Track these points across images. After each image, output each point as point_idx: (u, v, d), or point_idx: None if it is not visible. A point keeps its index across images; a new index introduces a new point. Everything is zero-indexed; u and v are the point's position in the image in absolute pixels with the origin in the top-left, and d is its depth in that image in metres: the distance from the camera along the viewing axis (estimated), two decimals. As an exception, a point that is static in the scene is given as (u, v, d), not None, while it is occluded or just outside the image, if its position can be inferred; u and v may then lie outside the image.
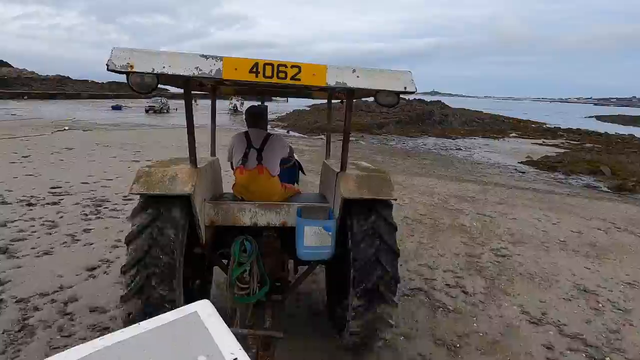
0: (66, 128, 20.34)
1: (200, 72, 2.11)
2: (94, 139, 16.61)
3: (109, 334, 1.04)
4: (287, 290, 3.32)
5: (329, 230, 2.78)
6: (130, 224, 2.58)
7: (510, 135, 30.01)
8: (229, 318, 2.91)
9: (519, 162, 16.65)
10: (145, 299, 2.47)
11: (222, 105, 54.03)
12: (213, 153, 3.96)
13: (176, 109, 50.12)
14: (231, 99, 47.98)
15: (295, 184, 4.23)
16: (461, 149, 20.69)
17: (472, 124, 34.71)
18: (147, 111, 40.35)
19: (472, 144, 23.77)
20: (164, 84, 2.65)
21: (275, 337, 2.67)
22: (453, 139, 25.61)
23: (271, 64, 2.14)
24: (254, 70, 2.15)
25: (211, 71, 2.13)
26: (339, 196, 2.79)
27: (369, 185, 2.77)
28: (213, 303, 1.20)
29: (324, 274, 4.02)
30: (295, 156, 4.27)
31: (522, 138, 28.41)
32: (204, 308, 1.18)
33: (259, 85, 2.77)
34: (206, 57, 2.12)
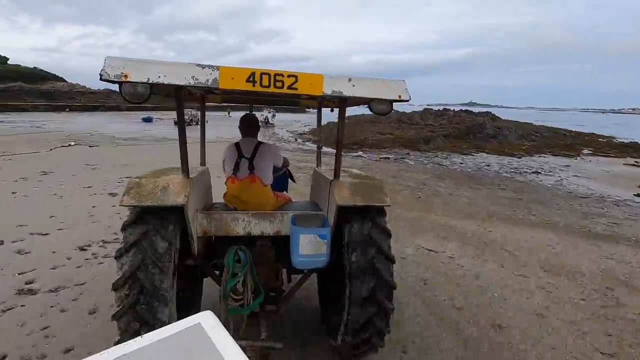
0: (72, 143, 18.54)
1: (196, 82, 2.11)
2: (92, 157, 14.45)
3: (112, 347, 1.05)
4: (281, 300, 3.29)
5: (324, 238, 2.80)
6: (122, 237, 2.50)
7: (584, 152, 24.79)
8: None
9: (635, 195, 12.01)
10: (138, 315, 2.41)
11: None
12: (203, 162, 4.02)
13: (207, 121, 48.12)
14: (262, 109, 43.88)
15: (285, 191, 4.29)
16: (540, 172, 16.49)
17: (530, 138, 29.59)
18: (175, 123, 38.75)
19: (547, 164, 19.36)
20: (154, 94, 2.52)
21: (274, 348, 2.64)
22: (518, 158, 21.20)
23: (268, 74, 2.17)
24: (251, 79, 2.17)
25: (207, 80, 2.13)
26: (334, 204, 2.82)
27: (363, 192, 2.82)
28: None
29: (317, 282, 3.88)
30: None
31: (601, 156, 23.49)
32: (207, 319, 1.20)
33: (250, 94, 2.87)
34: (202, 66, 2.13)
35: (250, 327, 2.95)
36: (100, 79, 2.03)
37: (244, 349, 2.27)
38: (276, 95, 2.42)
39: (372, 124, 36.85)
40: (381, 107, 2.42)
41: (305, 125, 50.59)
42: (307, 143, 26.57)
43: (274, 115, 48.98)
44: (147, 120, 43.33)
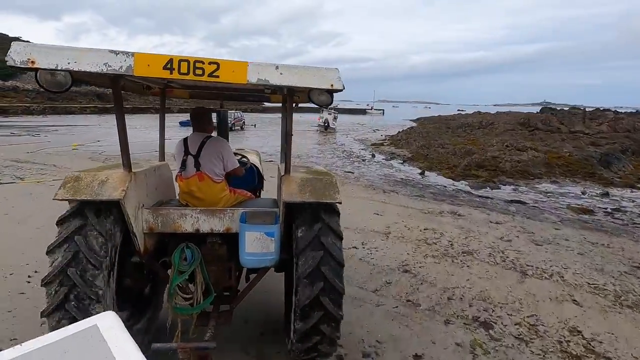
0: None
1: (109, 69, 2.01)
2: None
3: None
4: (235, 300, 3.16)
5: (271, 236, 2.70)
6: (57, 231, 2.42)
7: None
8: (169, 331, 2.88)
9: None
10: (67, 313, 2.32)
11: (310, 119, 46.10)
12: (162, 158, 3.84)
13: (254, 125, 39.62)
14: (321, 111, 36.85)
15: (260, 190, 4.45)
16: None
17: None
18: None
19: None
20: (87, 84, 2.66)
21: (207, 348, 2.44)
22: None
23: (187, 60, 2.07)
24: (169, 66, 2.06)
25: (121, 67, 2.03)
26: (282, 200, 2.68)
27: (312, 188, 2.69)
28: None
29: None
30: (253, 160, 4.42)
31: None
32: (105, 320, 1.11)
33: (209, 88, 3.13)
34: (116, 52, 2.03)
35: (199, 327, 2.86)
36: (7, 64, 1.96)
37: (174, 351, 2.35)
38: (234, 89, 2.79)
39: (482, 130, 26.47)
40: (321, 99, 2.36)
41: (373, 130, 40.89)
42: (392, 161, 17.65)
43: (335, 118, 39.41)
44: (185, 124, 35.90)
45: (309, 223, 2.69)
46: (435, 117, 67.31)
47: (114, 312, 1.14)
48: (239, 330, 3.59)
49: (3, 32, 78.48)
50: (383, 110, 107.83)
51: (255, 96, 4.30)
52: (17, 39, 70.08)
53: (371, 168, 14.95)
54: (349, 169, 14.41)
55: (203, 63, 2.09)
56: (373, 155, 18.72)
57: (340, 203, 2.70)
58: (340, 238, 2.73)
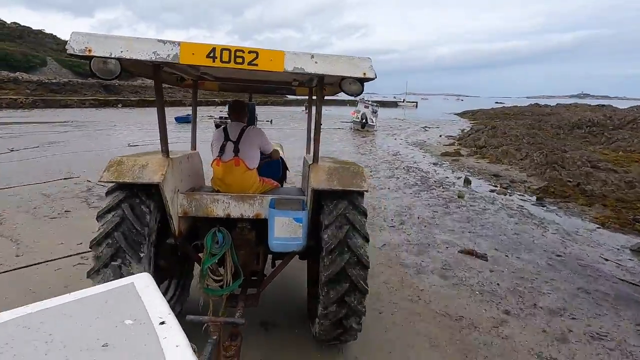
0: None
1: (157, 57, 2.13)
2: None
3: (31, 304, 1.06)
4: (262, 284, 3.30)
5: (299, 222, 2.80)
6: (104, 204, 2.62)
7: None
8: (201, 310, 3.07)
9: None
10: (110, 274, 2.50)
11: (337, 114, 39.24)
12: (193, 147, 4.00)
13: (270, 121, 31.95)
14: (356, 104, 30.59)
15: (284, 182, 4.68)
16: None
17: None
18: (217, 126, 22.52)
19: None
20: (133, 74, 2.86)
21: (237, 324, 2.56)
22: None
23: (228, 49, 2.15)
24: (211, 55, 2.16)
25: (169, 56, 2.14)
26: (310, 187, 2.79)
27: (340, 176, 2.80)
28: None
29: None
30: (281, 153, 4.40)
31: None
32: (141, 280, 1.23)
33: (240, 80, 3.35)
34: (164, 42, 2.14)
35: (228, 308, 3.01)
36: (67, 52, 2.11)
37: (206, 324, 2.43)
38: (264, 81, 2.93)
39: (626, 131, 17.40)
40: (353, 88, 2.44)
41: (422, 127, 32.14)
42: (537, 205, 9.20)
43: (374, 112, 30.62)
44: (182, 120, 27.97)
45: (337, 204, 2.79)
46: (488, 110, 57.84)
47: (148, 274, 1.27)
48: (265, 313, 3.73)
49: (39, 28, 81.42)
50: (416, 102, 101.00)
51: (282, 89, 4.50)
52: (52, 35, 70.12)
53: (496, 223, 7.27)
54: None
55: (243, 52, 2.17)
56: (467, 183, 10.74)
57: (367, 191, 2.83)
58: (365, 214, 2.85)
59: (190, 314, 2.51)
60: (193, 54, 2.15)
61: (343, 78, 2.37)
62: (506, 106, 67.40)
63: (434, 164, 14.02)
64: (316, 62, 2.25)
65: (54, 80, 47.45)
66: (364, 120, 26.96)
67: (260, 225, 3.04)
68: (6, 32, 63.20)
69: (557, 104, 54.79)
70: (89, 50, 2.11)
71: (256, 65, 2.19)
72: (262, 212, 2.99)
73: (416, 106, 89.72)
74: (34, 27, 68.73)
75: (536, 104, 58.72)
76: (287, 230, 2.81)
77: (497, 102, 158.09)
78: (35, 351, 0.92)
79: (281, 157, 4.44)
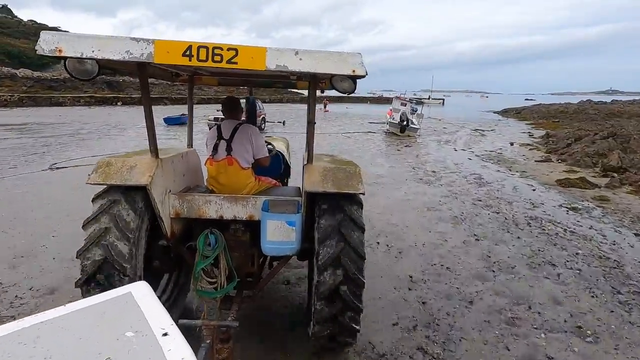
0: None
1: (130, 56, 2.15)
2: None
3: (26, 317, 1.10)
4: (257, 286, 3.47)
5: (292, 225, 2.83)
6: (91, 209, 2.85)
7: None
8: (195, 312, 3.44)
9: None
10: (98, 284, 2.65)
11: (361, 112, 34.42)
12: (190, 144, 4.09)
13: (283, 122, 27.74)
14: (393, 103, 26.05)
15: (287, 179, 4.84)
16: None
17: None
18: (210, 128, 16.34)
19: None
20: (115, 72, 2.95)
21: (230, 327, 2.72)
22: None
23: (206, 47, 2.13)
24: (187, 53, 2.13)
25: (142, 55, 2.14)
26: (303, 189, 2.93)
27: (334, 178, 2.79)
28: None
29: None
30: (280, 147, 4.63)
31: None
32: (139, 289, 1.26)
33: (237, 75, 3.32)
34: (137, 40, 2.15)
35: (222, 311, 3.17)
36: (37, 53, 2.17)
37: (199, 328, 2.55)
38: (265, 75, 2.98)
39: None
40: (344, 86, 2.48)
41: (476, 131, 26.00)
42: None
43: (414, 112, 24.31)
44: (172, 121, 22.41)
45: (331, 213, 2.86)
46: (531, 107, 52.49)
47: (146, 282, 1.31)
48: (261, 315, 3.88)
49: (65, 29, 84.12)
50: (443, 99, 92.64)
51: (282, 83, 4.45)
52: (67, 32, 70.70)
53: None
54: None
55: (222, 49, 2.13)
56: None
57: (363, 194, 2.84)
58: (362, 229, 2.88)
59: (183, 318, 2.69)
60: (168, 52, 2.12)
61: (333, 75, 2.33)
62: (544, 103, 65.69)
63: (567, 207, 8.60)
64: (300, 59, 2.17)
65: (54, 77, 45.84)
66: (404, 122, 22.32)
67: (254, 227, 3.12)
68: (22, 29, 64.81)
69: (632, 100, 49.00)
70: (59, 51, 2.11)
71: (235, 63, 2.13)
72: (256, 213, 3.05)
73: (443, 103, 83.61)
74: (51, 25, 71.16)
75: (588, 100, 52.45)
76: (280, 234, 2.84)
77: (527, 99, 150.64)
78: None
79: (280, 153, 4.57)
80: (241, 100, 3.87)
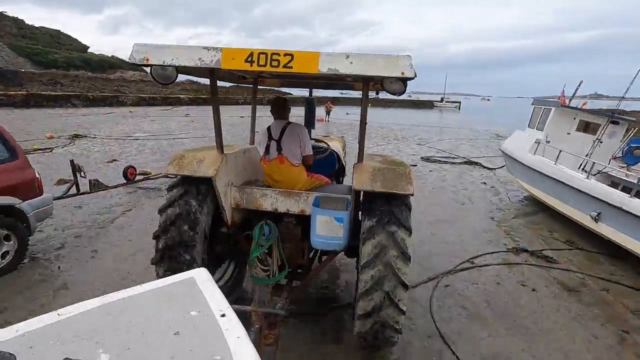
0: None
1: (202, 63, 2.40)
2: None
3: (111, 293, 1.27)
4: (306, 277, 3.66)
5: (339, 221, 2.93)
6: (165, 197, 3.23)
7: None
8: (248, 298, 3.66)
9: None
10: (169, 263, 2.99)
11: (388, 120, 27.23)
12: (252, 142, 4.38)
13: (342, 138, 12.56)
14: (534, 126, 11.67)
15: (342, 178, 5.05)
16: None
17: None
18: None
19: None
20: (192, 75, 3.27)
21: (278, 314, 2.90)
22: None
23: (265, 53, 2.34)
24: (249, 59, 2.33)
25: (212, 61, 2.38)
26: (353, 188, 3.02)
27: (384, 178, 2.84)
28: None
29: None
30: (335, 146, 4.75)
31: None
32: (200, 274, 1.42)
33: (298, 77, 3.30)
34: (208, 48, 2.40)
35: (273, 299, 3.26)
36: (130, 62, 2.47)
37: (248, 314, 2.71)
38: (317, 77, 2.93)
39: None
40: (394, 87, 2.46)
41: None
42: None
43: (613, 134, 8.89)
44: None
45: (377, 212, 2.90)
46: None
47: (205, 269, 1.48)
48: (310, 306, 4.04)
49: (45, 26, 78.44)
50: (459, 103, 73.14)
51: (339, 84, 4.66)
52: (57, 31, 69.26)
53: None
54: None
55: (279, 55, 2.31)
56: None
57: (412, 195, 2.85)
58: (408, 231, 2.88)
59: (239, 302, 3.05)
60: (233, 59, 2.35)
61: (384, 77, 2.42)
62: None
63: None
64: (351, 63, 2.29)
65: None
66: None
67: (306, 221, 3.28)
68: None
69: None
70: (147, 60, 2.42)
71: (291, 67, 2.32)
72: (307, 208, 3.20)
73: (459, 108, 67.38)
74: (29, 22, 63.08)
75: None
76: (328, 229, 2.96)
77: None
78: (118, 336, 1.09)
79: (335, 152, 4.68)
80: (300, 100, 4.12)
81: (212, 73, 2.89)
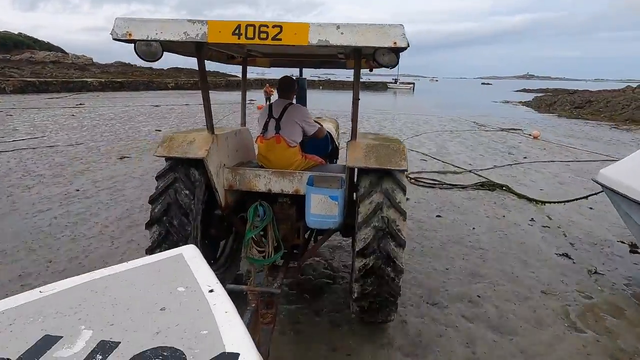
0: None
1: (187, 37, 2.32)
2: None
3: (99, 270, 1.27)
4: (302, 257, 3.67)
5: (334, 199, 2.93)
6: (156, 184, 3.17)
7: None
8: (244, 279, 3.75)
9: None
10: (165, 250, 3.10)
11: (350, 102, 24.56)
12: (243, 123, 4.43)
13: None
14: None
15: (335, 160, 4.98)
16: None
17: None
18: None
19: None
20: (176, 53, 3.07)
21: (273, 293, 2.86)
22: None
23: (253, 25, 2.26)
24: (237, 32, 2.28)
25: (197, 35, 2.31)
26: (346, 165, 3.03)
27: (377, 154, 2.84)
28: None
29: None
30: (328, 127, 4.61)
31: None
32: (188, 251, 1.40)
33: (288, 55, 3.52)
34: (193, 21, 2.32)
35: (269, 279, 3.32)
36: (112, 38, 2.35)
37: (244, 293, 2.62)
38: (315, 55, 3.14)
39: None
40: (386, 59, 2.42)
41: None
42: None
43: None
44: None
45: (372, 190, 2.89)
46: (573, 95, 34.10)
47: (194, 246, 1.47)
48: (305, 284, 4.01)
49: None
50: (413, 84, 73.32)
51: (331, 63, 4.69)
52: None
53: None
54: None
55: (267, 27, 2.23)
56: None
57: (405, 170, 2.85)
58: (404, 216, 2.87)
59: (236, 282, 3.05)
60: (220, 32, 2.28)
61: (376, 49, 2.36)
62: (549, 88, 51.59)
63: None
64: (342, 33, 2.22)
65: None
66: None
67: (300, 201, 3.26)
68: None
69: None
70: (130, 35, 2.31)
71: (280, 39, 2.25)
72: (301, 188, 3.19)
73: (413, 89, 67.36)
74: None
75: (628, 86, 35.02)
76: (323, 208, 2.95)
77: (483, 84, 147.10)
78: (102, 313, 1.08)
79: (329, 133, 4.58)
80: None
81: (200, 49, 2.79)
